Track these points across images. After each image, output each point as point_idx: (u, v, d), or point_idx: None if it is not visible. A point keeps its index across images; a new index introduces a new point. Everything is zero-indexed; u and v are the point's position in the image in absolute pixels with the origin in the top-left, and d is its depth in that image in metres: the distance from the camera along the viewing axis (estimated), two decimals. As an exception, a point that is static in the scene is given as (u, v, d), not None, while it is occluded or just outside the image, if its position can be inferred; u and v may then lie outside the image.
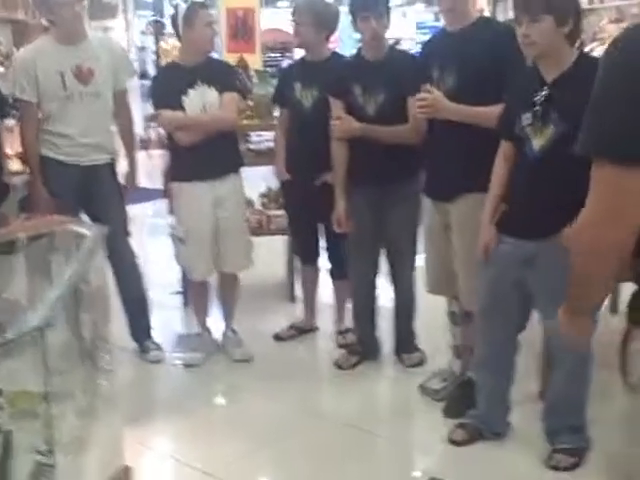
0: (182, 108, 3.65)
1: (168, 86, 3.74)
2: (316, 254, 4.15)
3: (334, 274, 4.09)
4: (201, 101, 3.67)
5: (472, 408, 3.10)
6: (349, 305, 4.01)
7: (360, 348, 3.86)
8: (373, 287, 3.81)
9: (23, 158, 3.82)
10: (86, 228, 3.01)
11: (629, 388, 3.23)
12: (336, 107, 3.59)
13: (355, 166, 3.60)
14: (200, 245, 3.78)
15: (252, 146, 4.82)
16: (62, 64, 3.58)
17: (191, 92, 3.65)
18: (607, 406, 3.17)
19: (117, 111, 3.85)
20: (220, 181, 3.74)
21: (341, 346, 3.99)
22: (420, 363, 3.78)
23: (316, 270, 4.20)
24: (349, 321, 4.02)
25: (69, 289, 2.65)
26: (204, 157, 3.65)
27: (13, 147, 3.95)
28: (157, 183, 7.12)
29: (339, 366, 3.81)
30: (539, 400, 3.19)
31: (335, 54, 4.01)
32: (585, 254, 1.43)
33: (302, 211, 4.00)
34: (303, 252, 4.23)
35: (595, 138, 1.31)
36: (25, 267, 3.07)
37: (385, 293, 3.88)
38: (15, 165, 3.91)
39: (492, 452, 2.98)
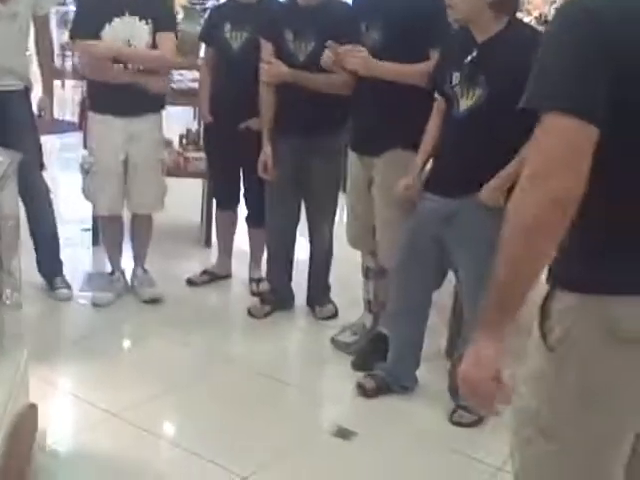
0: (98, 38, 3.50)
1: (91, 11, 3.58)
2: (235, 200, 4.09)
3: (251, 222, 4.04)
4: (127, 33, 3.51)
5: (382, 362, 3.14)
6: (265, 254, 3.99)
7: (273, 297, 3.85)
8: (290, 237, 3.79)
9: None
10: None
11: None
12: (266, 50, 3.50)
13: (281, 114, 3.54)
14: (106, 179, 3.68)
15: (174, 85, 4.68)
16: None
17: (116, 21, 3.50)
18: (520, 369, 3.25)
19: (36, 37, 3.68)
20: (137, 119, 3.62)
21: (254, 294, 3.97)
22: (332, 316, 3.79)
23: (234, 216, 4.15)
24: (264, 270, 3.99)
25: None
26: (123, 92, 3.52)
27: None
28: (69, 115, 6.92)
29: (252, 314, 3.79)
30: (446, 357, 3.27)
31: None
32: (530, 210, 1.27)
33: (223, 155, 3.92)
34: (221, 197, 4.16)
35: (544, 90, 1.30)
36: None
37: (302, 244, 3.87)
38: None
39: (399, 405, 3.04)
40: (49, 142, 5.03)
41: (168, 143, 4.37)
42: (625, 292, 1.33)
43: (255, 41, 3.59)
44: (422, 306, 3.03)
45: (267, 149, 3.59)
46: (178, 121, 4.79)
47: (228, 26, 3.74)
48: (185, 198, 4.60)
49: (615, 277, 1.34)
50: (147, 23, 3.53)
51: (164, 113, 3.82)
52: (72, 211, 4.67)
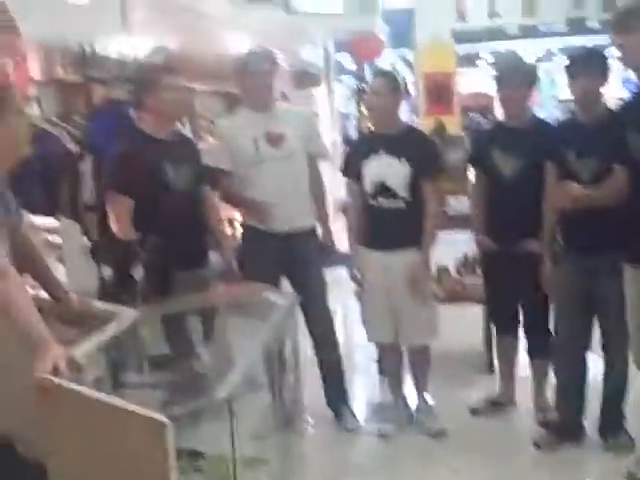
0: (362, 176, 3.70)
1: (360, 150, 3.83)
2: (515, 323, 3.96)
3: (533, 352, 3.89)
4: (381, 171, 3.67)
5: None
6: (551, 377, 3.78)
7: (562, 428, 3.62)
8: (582, 363, 3.57)
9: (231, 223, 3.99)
10: (280, 297, 3.11)
11: None
12: (551, 174, 3.48)
13: (568, 233, 3.47)
14: (373, 308, 3.79)
15: (449, 211, 4.77)
16: (255, 130, 3.72)
17: (374, 159, 3.69)
18: None
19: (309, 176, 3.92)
20: (395, 252, 3.69)
21: (541, 424, 3.77)
22: (627, 447, 3.47)
23: (514, 341, 4.01)
24: (550, 396, 3.78)
25: (262, 356, 2.74)
26: (379, 228, 3.71)
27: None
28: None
29: (538, 445, 3.60)
30: None
31: (536, 118, 3.92)
32: None
33: (502, 280, 3.85)
34: (500, 321, 4.06)
35: None
36: (223, 332, 3.22)
37: (593, 367, 3.62)
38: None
39: None
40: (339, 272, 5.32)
41: (444, 269, 4.41)
42: None
43: (530, 166, 3.59)
44: None
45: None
46: (453, 246, 4.80)
47: (498, 152, 3.75)
48: (465, 324, 4.56)
49: None
50: (404, 163, 3.66)
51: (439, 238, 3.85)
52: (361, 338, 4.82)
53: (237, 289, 3.35)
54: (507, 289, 3.86)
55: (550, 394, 3.79)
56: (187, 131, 4.65)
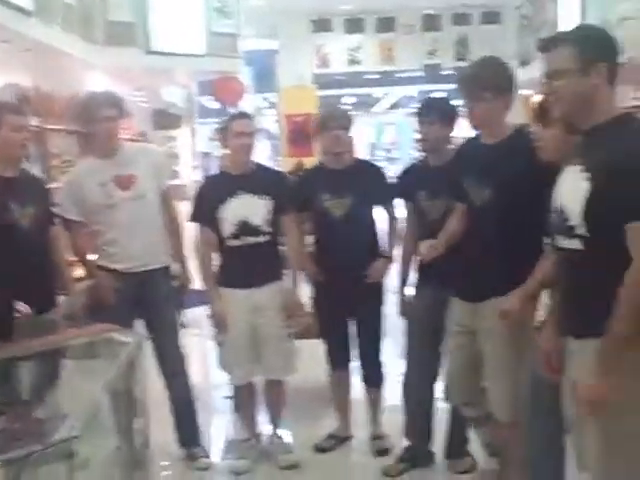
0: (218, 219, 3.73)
1: (213, 194, 3.82)
2: (347, 357, 4.05)
3: (368, 382, 4.03)
4: (243, 211, 3.72)
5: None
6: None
7: (410, 455, 3.77)
8: (430, 390, 3.71)
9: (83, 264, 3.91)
10: (127, 336, 3.09)
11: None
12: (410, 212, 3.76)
13: (420, 267, 3.67)
14: (237, 350, 3.78)
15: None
16: (103, 176, 3.70)
17: (233, 201, 3.73)
18: None
19: (162, 212, 3.89)
20: (259, 290, 3.75)
21: (377, 453, 3.94)
22: (470, 469, 3.66)
23: (347, 375, 4.10)
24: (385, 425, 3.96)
25: (107, 397, 2.72)
26: (244, 266, 3.72)
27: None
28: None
29: (388, 475, 3.72)
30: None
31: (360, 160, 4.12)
32: None
33: (334, 314, 3.96)
34: (333, 356, 4.08)
35: None
36: (70, 372, 3.16)
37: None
38: (78, 271, 4.05)
39: None
40: (195, 312, 5.32)
41: (301, 305, 4.46)
42: None
43: (358, 204, 3.80)
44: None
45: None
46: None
47: (326, 194, 3.86)
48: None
49: None
50: (263, 199, 3.74)
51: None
52: (217, 377, 4.82)
53: (83, 331, 3.31)
54: (338, 324, 3.98)
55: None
56: (37, 170, 4.57)
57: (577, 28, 2.44)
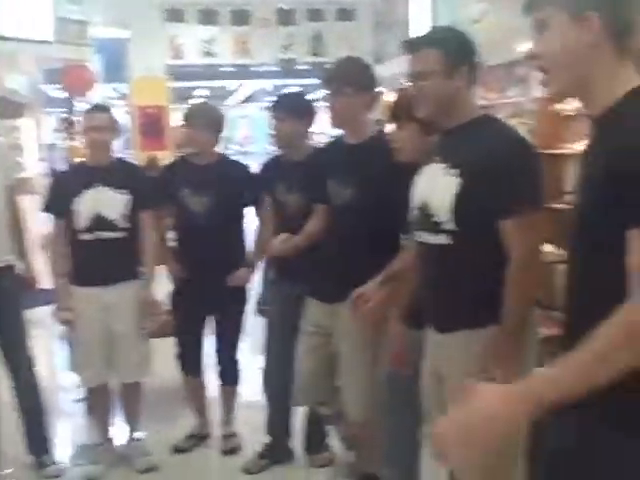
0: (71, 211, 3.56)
1: (68, 185, 3.66)
2: (199, 359, 3.96)
3: (224, 379, 3.96)
4: (98, 204, 3.57)
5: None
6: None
7: (271, 451, 3.75)
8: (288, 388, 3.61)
9: None
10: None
11: None
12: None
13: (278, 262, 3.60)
14: (88, 351, 3.63)
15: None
16: None
17: (88, 193, 3.57)
18: None
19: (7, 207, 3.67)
20: (113, 288, 3.61)
21: (226, 452, 3.91)
22: (329, 463, 3.69)
23: (201, 376, 4.02)
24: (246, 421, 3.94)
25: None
26: (97, 263, 3.56)
27: None
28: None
29: (248, 471, 3.69)
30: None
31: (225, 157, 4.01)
32: None
33: (191, 315, 3.89)
34: (186, 358, 3.96)
35: None
36: None
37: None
38: None
39: None
40: (41, 312, 5.05)
41: (158, 304, 4.33)
42: None
43: (221, 202, 3.71)
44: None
45: None
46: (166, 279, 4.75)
47: (187, 190, 3.75)
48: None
49: None
50: (118, 192, 3.59)
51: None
52: (67, 379, 4.61)
53: None
54: (194, 322, 3.88)
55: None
56: None
57: (441, 30, 2.52)
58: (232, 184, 3.76)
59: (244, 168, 3.99)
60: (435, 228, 2.26)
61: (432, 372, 2.39)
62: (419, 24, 8.52)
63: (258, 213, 3.86)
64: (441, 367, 2.34)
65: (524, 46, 7.35)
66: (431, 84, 2.27)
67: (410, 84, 2.40)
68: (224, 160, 3.94)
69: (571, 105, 6.48)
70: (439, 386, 2.34)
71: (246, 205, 3.87)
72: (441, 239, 2.25)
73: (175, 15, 11.15)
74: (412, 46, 2.35)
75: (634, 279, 1.31)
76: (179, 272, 3.84)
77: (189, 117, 3.81)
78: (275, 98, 3.79)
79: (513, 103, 7.30)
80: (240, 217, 3.91)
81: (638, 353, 1.28)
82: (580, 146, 6.40)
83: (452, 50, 2.27)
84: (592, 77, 1.47)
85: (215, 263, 3.72)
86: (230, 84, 15.74)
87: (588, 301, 1.45)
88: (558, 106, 6.68)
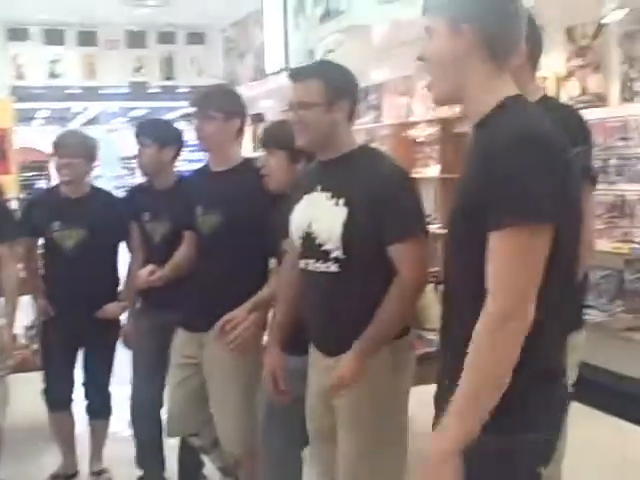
0: None
1: None
2: (69, 395, 3.79)
3: (94, 413, 3.84)
4: None
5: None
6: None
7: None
8: (158, 419, 3.56)
9: None
10: None
11: None
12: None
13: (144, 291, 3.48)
14: None
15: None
16: None
17: None
18: None
19: None
20: None
21: None
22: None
23: (70, 413, 3.84)
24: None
25: None
26: None
27: None
28: None
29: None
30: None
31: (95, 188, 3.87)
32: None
33: (61, 350, 3.73)
34: (54, 395, 3.78)
35: None
36: None
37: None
38: None
39: None
40: None
41: (11, 344, 4.10)
42: None
43: (91, 236, 3.60)
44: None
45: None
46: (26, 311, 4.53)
47: (58, 224, 3.62)
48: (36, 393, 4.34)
49: None
50: None
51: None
52: None
53: None
54: (62, 356, 3.71)
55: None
56: None
57: (326, 63, 2.60)
58: (104, 219, 3.63)
59: (117, 202, 3.87)
60: (324, 256, 2.30)
61: (319, 393, 2.42)
62: (273, 52, 8.63)
63: (128, 244, 3.78)
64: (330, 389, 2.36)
65: (377, 74, 7.66)
66: (311, 114, 2.32)
67: (289, 112, 2.43)
68: (96, 192, 3.80)
69: (423, 131, 6.83)
70: (327, 407, 2.38)
71: (120, 240, 3.77)
72: (329, 267, 2.30)
73: (17, 34, 10.75)
74: (296, 75, 2.40)
75: (490, 284, 1.49)
76: (47, 310, 3.70)
77: (59, 146, 3.64)
78: (138, 125, 3.73)
79: (367, 129, 7.57)
80: (114, 251, 3.80)
81: (501, 357, 1.47)
82: (432, 171, 6.73)
83: (335, 84, 2.32)
84: (467, 85, 1.62)
85: (84, 299, 3.61)
86: (76, 106, 15.26)
87: (458, 295, 1.64)
88: (410, 132, 7.01)
